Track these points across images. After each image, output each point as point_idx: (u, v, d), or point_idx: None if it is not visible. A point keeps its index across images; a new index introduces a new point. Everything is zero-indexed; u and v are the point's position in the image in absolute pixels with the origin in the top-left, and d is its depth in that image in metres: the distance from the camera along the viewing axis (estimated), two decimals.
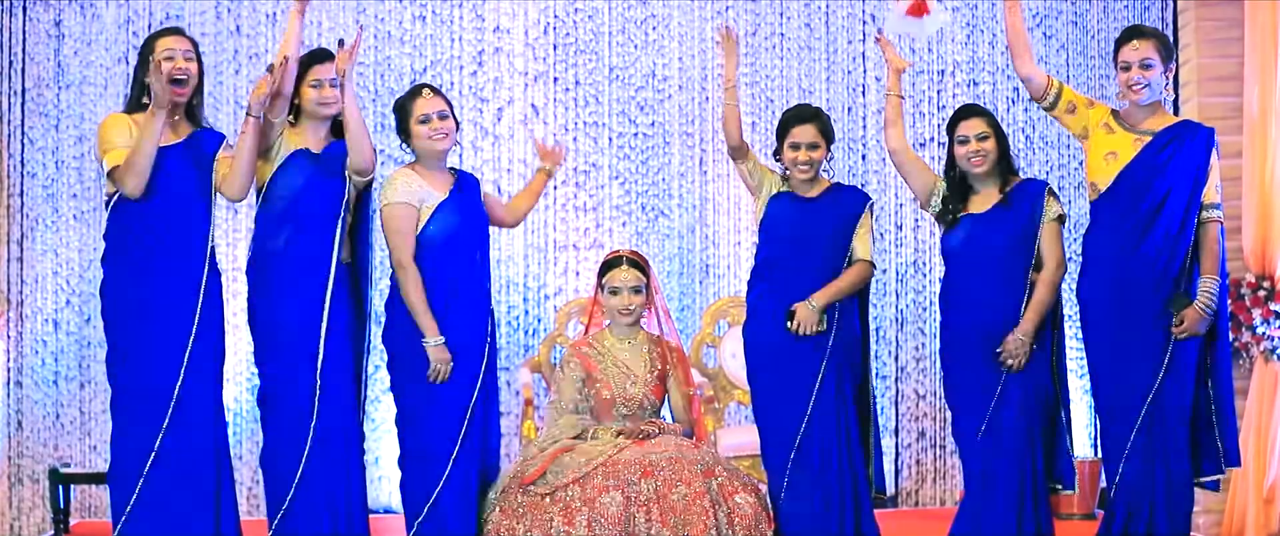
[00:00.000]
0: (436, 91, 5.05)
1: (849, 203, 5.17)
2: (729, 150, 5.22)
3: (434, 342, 4.89)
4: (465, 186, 5.08)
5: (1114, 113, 4.96)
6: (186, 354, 4.74)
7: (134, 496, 4.70)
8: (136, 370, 4.73)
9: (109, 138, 4.74)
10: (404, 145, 5.08)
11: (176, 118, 4.82)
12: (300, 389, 4.86)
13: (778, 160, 5.22)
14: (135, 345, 4.72)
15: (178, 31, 4.88)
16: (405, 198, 4.93)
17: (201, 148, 4.85)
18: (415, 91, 5.05)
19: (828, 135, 5.16)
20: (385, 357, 5.04)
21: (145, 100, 4.75)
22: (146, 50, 4.80)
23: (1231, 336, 6.23)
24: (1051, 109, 4.98)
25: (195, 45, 4.88)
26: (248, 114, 4.79)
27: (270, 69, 4.80)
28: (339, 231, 4.93)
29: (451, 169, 5.13)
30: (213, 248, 4.87)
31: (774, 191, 5.18)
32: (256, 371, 5.00)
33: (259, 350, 4.95)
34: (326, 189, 4.91)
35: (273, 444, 4.92)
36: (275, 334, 4.88)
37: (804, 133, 5.12)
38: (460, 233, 4.98)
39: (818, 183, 5.18)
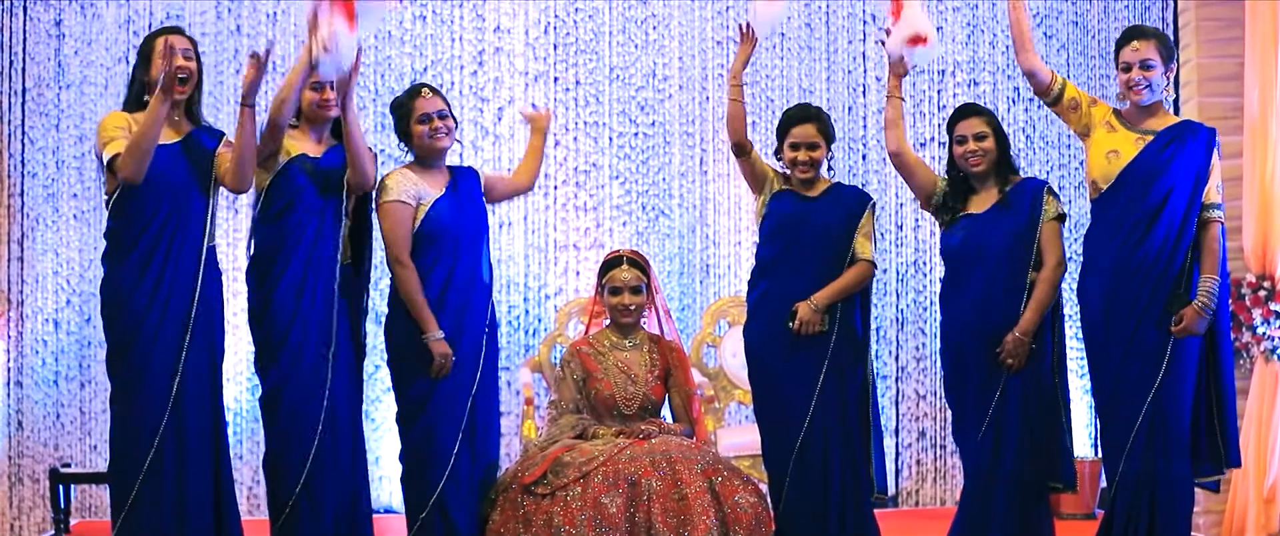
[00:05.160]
0: (435, 91, 5.06)
1: (850, 202, 5.17)
2: (732, 147, 5.21)
3: (434, 337, 4.89)
4: (462, 182, 5.07)
5: (1116, 112, 4.95)
6: (183, 352, 4.73)
7: (133, 495, 4.70)
8: (133, 368, 4.71)
9: (109, 132, 4.73)
10: (403, 145, 5.08)
11: (176, 117, 4.82)
12: (309, 392, 4.85)
13: (779, 160, 5.23)
14: (132, 343, 4.71)
15: (178, 30, 4.89)
16: (401, 196, 4.93)
17: (200, 146, 4.84)
18: (414, 92, 5.05)
19: (828, 135, 5.16)
20: (386, 356, 5.04)
21: (145, 98, 4.76)
22: (147, 48, 4.83)
23: (1232, 336, 6.24)
24: (1054, 105, 4.97)
25: (195, 44, 4.90)
26: (242, 104, 4.76)
27: (254, 56, 4.77)
28: (340, 235, 4.93)
29: (449, 166, 5.13)
30: (212, 247, 4.86)
31: (775, 190, 5.18)
32: (256, 374, 4.99)
33: (262, 354, 4.92)
34: (326, 193, 4.90)
35: (278, 447, 4.89)
36: (279, 338, 4.86)
37: (803, 133, 5.13)
38: (456, 229, 4.98)
39: (819, 182, 5.19)
